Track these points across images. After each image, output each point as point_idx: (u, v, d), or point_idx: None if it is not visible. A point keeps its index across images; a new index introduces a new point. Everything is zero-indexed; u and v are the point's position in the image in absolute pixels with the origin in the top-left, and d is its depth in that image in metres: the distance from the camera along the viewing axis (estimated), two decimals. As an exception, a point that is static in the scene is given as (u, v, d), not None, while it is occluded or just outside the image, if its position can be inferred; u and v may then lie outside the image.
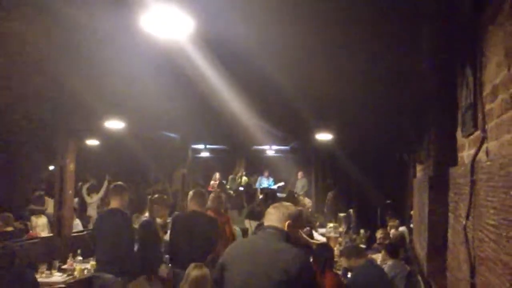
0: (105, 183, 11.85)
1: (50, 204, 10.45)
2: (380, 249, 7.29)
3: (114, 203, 5.95)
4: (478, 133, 2.62)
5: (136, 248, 6.06)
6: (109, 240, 5.68)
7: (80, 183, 12.78)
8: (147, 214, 8.00)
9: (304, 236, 6.44)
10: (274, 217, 3.30)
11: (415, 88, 5.22)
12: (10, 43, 4.23)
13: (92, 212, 11.89)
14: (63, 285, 5.43)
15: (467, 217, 2.61)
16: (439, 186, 4.54)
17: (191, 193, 6.20)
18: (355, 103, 6.58)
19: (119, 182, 6.18)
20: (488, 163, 2.24)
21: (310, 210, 9.74)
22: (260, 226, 4.60)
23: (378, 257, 6.99)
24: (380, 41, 3.97)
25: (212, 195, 6.75)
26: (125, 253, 5.70)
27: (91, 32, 3.88)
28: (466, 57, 2.89)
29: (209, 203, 6.48)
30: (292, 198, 10.04)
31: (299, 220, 3.46)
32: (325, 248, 5.85)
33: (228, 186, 14.72)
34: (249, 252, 3.19)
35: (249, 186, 13.90)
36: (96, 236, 5.93)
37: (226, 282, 3.13)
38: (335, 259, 7.17)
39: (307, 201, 9.63)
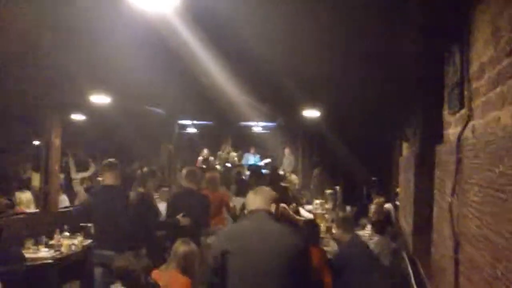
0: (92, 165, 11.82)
1: (35, 178, 10.40)
2: (368, 224, 7.38)
3: (109, 180, 5.93)
4: (464, 111, 2.63)
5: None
6: (108, 217, 5.64)
7: (65, 159, 12.72)
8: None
9: (291, 213, 6.51)
10: (258, 200, 3.32)
11: (402, 65, 5.22)
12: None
13: (78, 187, 11.85)
14: (50, 261, 5.43)
15: (452, 194, 2.63)
16: (425, 164, 4.59)
17: (184, 171, 6.33)
18: (342, 80, 6.57)
19: (112, 159, 6.14)
20: (474, 140, 2.25)
21: (297, 187, 9.77)
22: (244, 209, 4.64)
23: (363, 234, 7.08)
24: (368, 18, 3.95)
25: (208, 175, 6.89)
26: (126, 229, 5.66)
27: (76, 3, 3.81)
28: (454, 35, 2.89)
29: (204, 183, 6.64)
30: (276, 175, 10.11)
31: (283, 200, 3.50)
32: (311, 224, 5.91)
33: (217, 162, 14.73)
34: (253, 237, 3.16)
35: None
36: (92, 213, 5.90)
37: (233, 270, 3.06)
38: (322, 235, 7.26)
39: (294, 178, 9.68)
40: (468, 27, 2.59)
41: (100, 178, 12.86)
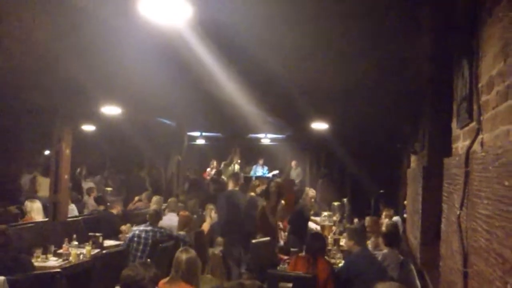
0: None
1: (44, 185, 10.44)
2: (369, 237, 7.34)
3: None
4: (473, 124, 2.64)
5: None
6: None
7: (78, 169, 12.81)
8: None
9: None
10: None
11: (411, 79, 5.24)
12: (3, 26, 4.21)
13: (85, 197, 11.90)
14: (59, 270, 5.44)
15: (460, 207, 2.64)
16: (433, 177, 4.58)
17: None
18: (351, 93, 6.60)
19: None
20: (483, 154, 2.26)
21: (313, 200, 9.72)
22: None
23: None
24: (378, 31, 3.98)
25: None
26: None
27: (89, 16, 3.87)
28: (463, 48, 2.91)
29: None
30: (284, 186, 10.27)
31: None
32: (318, 237, 5.91)
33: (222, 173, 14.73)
34: None
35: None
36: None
37: None
38: (329, 247, 7.25)
39: (311, 192, 9.60)
40: (477, 40, 2.61)
41: (108, 188, 12.99)
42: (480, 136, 2.48)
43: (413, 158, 7.17)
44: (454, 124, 3.30)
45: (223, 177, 14.27)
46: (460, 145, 3.06)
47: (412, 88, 5.61)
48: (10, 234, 5.26)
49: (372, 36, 4.07)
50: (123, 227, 8.34)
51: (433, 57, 4.13)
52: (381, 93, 6.39)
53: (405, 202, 8.35)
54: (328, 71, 5.52)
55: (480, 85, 2.53)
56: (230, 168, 15.10)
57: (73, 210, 9.50)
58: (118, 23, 3.98)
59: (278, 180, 9.53)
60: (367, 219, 7.90)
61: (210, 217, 9.02)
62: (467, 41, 2.78)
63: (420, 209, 5.17)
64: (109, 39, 4.47)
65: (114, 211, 8.78)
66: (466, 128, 2.84)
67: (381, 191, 11.78)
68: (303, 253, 5.78)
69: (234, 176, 9.11)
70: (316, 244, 5.56)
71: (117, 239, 7.89)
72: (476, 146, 2.53)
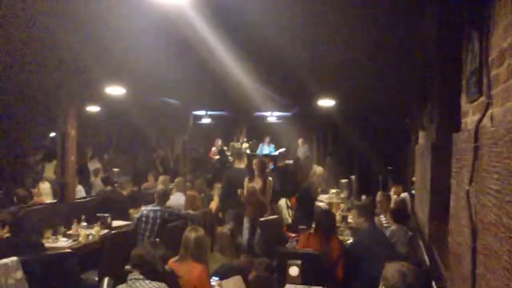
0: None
1: (48, 169, 10.53)
2: (379, 213, 7.35)
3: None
4: (482, 99, 2.60)
5: None
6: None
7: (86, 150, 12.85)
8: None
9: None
10: None
11: (418, 53, 5.18)
12: (8, 7, 4.18)
13: (92, 178, 11.97)
14: (69, 250, 5.49)
15: (469, 183, 2.61)
16: (442, 152, 4.55)
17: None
18: (357, 69, 6.54)
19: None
20: (493, 128, 2.23)
21: (320, 178, 9.66)
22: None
23: (377, 220, 7.07)
24: (384, 4, 3.92)
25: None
26: None
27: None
28: (472, 20, 2.85)
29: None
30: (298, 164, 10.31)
31: None
32: (328, 214, 5.90)
33: (229, 153, 14.72)
34: None
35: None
36: None
37: None
38: (337, 225, 7.26)
39: (319, 170, 9.57)
40: (487, 12, 2.56)
41: (115, 169, 13.05)
42: (489, 111, 2.45)
43: (421, 134, 7.12)
44: (463, 99, 3.26)
45: (230, 156, 14.29)
46: (469, 120, 3.02)
47: (419, 63, 5.55)
48: (21, 216, 5.32)
49: (380, 9, 4.01)
50: (131, 210, 8.38)
51: (441, 30, 4.06)
52: (388, 68, 6.33)
53: (413, 178, 8.33)
54: (334, 47, 5.47)
55: (490, 58, 2.49)
56: (236, 145, 15.10)
57: (80, 191, 9.56)
58: (122, 2, 3.95)
59: (262, 157, 9.57)
60: (379, 194, 7.90)
61: (218, 196, 9.06)
62: (477, 13, 2.72)
63: (429, 185, 5.15)
64: (113, 18, 4.43)
65: (125, 192, 8.81)
66: (475, 103, 2.80)
67: (389, 167, 11.77)
68: (312, 231, 5.79)
69: (238, 155, 9.13)
70: (327, 222, 5.56)
71: (127, 219, 7.93)
72: (486, 121, 2.49)
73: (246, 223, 7.85)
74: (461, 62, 3.27)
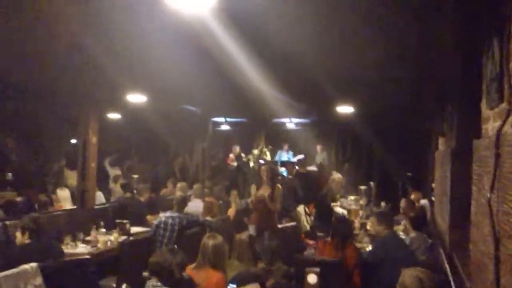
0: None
1: (70, 177, 10.65)
2: (402, 220, 7.30)
3: None
4: (504, 105, 2.58)
5: None
6: None
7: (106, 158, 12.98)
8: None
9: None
10: None
11: (439, 59, 5.13)
12: (31, 12, 4.24)
13: (112, 184, 12.07)
14: (88, 256, 5.54)
15: (491, 190, 2.58)
16: (462, 159, 4.51)
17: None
18: (377, 75, 6.50)
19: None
20: (514, 135, 2.20)
21: (339, 185, 9.57)
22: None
23: (398, 228, 7.02)
24: (404, 10, 3.90)
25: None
26: None
27: (114, 3, 3.88)
28: (493, 27, 2.83)
29: None
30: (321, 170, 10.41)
31: None
32: (344, 221, 5.88)
33: (250, 159, 14.72)
34: None
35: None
36: None
37: None
38: (356, 232, 7.22)
39: (338, 177, 9.49)
40: (508, 18, 2.53)
41: (135, 176, 13.15)
42: (511, 117, 2.42)
43: (441, 140, 7.06)
44: (483, 105, 3.22)
45: (251, 163, 14.31)
46: (490, 126, 2.99)
47: (439, 69, 5.50)
48: (41, 222, 5.38)
49: (397, 16, 3.99)
50: (149, 217, 8.42)
51: (461, 35, 4.03)
52: (407, 74, 6.28)
53: (433, 185, 8.25)
54: (352, 53, 5.45)
55: (511, 64, 2.46)
56: (256, 152, 15.12)
57: (99, 197, 9.65)
58: (143, 10, 3.99)
59: (270, 165, 9.58)
60: (403, 201, 7.85)
61: (235, 203, 9.07)
62: (497, 19, 2.70)
63: (449, 191, 5.10)
64: (134, 26, 4.48)
65: (142, 198, 8.86)
66: (497, 109, 2.77)
67: (409, 174, 11.67)
68: (329, 238, 5.76)
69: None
70: (342, 229, 5.53)
71: (145, 225, 7.98)
72: (507, 127, 2.46)
73: (251, 231, 7.75)
74: (482, 67, 3.24)
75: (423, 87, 6.84)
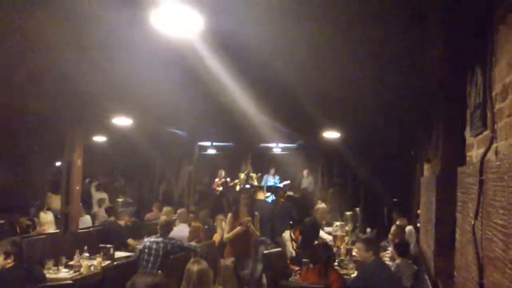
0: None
1: (54, 200, 10.51)
2: (389, 246, 7.30)
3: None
4: (487, 132, 2.60)
5: None
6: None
7: (87, 180, 12.84)
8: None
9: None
10: None
11: (423, 87, 5.20)
12: (18, 37, 4.24)
13: (96, 208, 11.93)
14: (70, 281, 5.44)
15: (475, 217, 2.59)
16: (447, 185, 4.52)
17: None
18: (362, 101, 6.57)
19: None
20: (498, 163, 2.22)
21: (324, 214, 9.50)
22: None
23: (384, 255, 7.01)
24: (389, 39, 3.96)
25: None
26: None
27: (100, 27, 3.89)
28: (476, 56, 2.88)
29: None
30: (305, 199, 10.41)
31: None
32: (325, 247, 5.86)
33: (238, 183, 14.66)
34: None
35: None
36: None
37: None
38: (342, 258, 7.19)
39: (322, 207, 9.45)
40: (490, 48, 2.58)
41: (119, 199, 13.04)
42: (494, 145, 2.45)
43: (426, 166, 7.10)
44: (467, 132, 3.26)
45: (237, 187, 14.26)
46: (474, 153, 3.02)
47: (424, 96, 5.57)
48: (23, 246, 5.28)
49: (383, 43, 4.05)
50: (129, 241, 8.32)
51: (445, 64, 4.09)
52: (393, 101, 6.35)
53: (419, 211, 8.27)
54: (340, 81, 5.50)
55: (494, 93, 2.50)
56: (242, 177, 15.06)
57: (86, 220, 9.55)
58: (129, 33, 4.00)
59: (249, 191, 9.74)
60: (393, 228, 7.88)
61: (221, 228, 8.99)
62: (480, 48, 2.74)
63: (434, 218, 5.11)
64: (121, 49, 4.49)
65: (122, 222, 8.78)
66: (480, 136, 2.80)
67: (394, 199, 11.69)
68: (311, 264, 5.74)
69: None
70: (324, 254, 5.52)
71: (127, 250, 7.88)
72: (491, 155, 2.49)
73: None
74: (466, 95, 3.29)
75: (408, 114, 6.91)
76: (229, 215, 7.49)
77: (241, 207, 7.38)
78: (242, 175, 15.10)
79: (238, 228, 7.11)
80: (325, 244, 6.21)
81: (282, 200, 10.72)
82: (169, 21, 3.57)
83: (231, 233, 7.18)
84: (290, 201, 10.85)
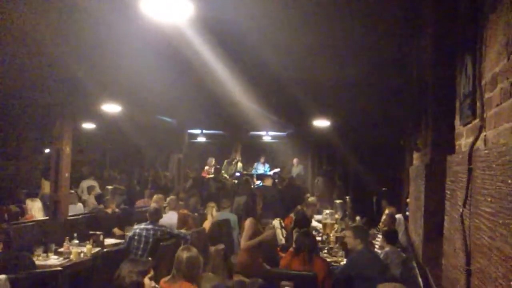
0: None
1: (47, 186, 10.46)
2: (378, 234, 7.35)
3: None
4: (476, 121, 2.62)
5: None
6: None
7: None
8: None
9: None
10: None
11: (413, 75, 5.21)
12: (6, 26, 4.20)
13: (85, 196, 11.88)
14: (60, 268, 5.43)
15: (464, 205, 2.61)
16: (436, 174, 4.55)
17: None
18: (352, 89, 6.58)
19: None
20: (486, 151, 2.23)
21: (313, 207, 9.51)
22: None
23: (374, 243, 7.06)
24: (379, 27, 3.96)
25: None
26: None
27: (90, 15, 3.86)
28: (466, 45, 2.88)
29: None
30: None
31: None
32: (307, 234, 5.87)
33: (223, 171, 14.67)
34: None
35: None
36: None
37: None
38: (331, 246, 7.23)
39: (310, 199, 9.48)
40: (480, 37, 2.58)
41: (109, 187, 12.98)
42: (483, 134, 2.46)
43: (415, 155, 7.13)
44: (457, 121, 3.27)
45: (225, 175, 14.26)
46: (463, 142, 3.03)
47: (414, 85, 5.58)
48: (11, 233, 5.26)
49: (374, 32, 4.05)
50: (115, 230, 8.35)
51: (436, 53, 4.10)
52: (383, 90, 6.37)
53: (408, 199, 8.33)
54: (330, 68, 5.50)
55: (483, 82, 2.50)
56: (232, 166, 15.08)
57: (80, 209, 9.55)
58: (119, 21, 3.97)
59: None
60: (384, 217, 7.93)
61: (212, 215, 9.00)
62: (470, 38, 2.75)
63: (423, 206, 5.14)
64: (110, 37, 4.46)
65: (109, 210, 8.79)
66: (469, 125, 2.81)
67: (384, 188, 11.75)
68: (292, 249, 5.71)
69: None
70: (308, 242, 5.53)
71: (116, 237, 7.89)
72: (480, 144, 2.50)
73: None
74: (455, 85, 3.30)
75: (398, 102, 6.92)
76: (250, 219, 6.52)
77: (257, 207, 6.82)
78: (225, 162, 15.09)
79: (268, 232, 6.48)
80: (306, 231, 6.19)
81: (280, 187, 10.92)
82: (158, 7, 3.53)
83: (257, 239, 6.27)
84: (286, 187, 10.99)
